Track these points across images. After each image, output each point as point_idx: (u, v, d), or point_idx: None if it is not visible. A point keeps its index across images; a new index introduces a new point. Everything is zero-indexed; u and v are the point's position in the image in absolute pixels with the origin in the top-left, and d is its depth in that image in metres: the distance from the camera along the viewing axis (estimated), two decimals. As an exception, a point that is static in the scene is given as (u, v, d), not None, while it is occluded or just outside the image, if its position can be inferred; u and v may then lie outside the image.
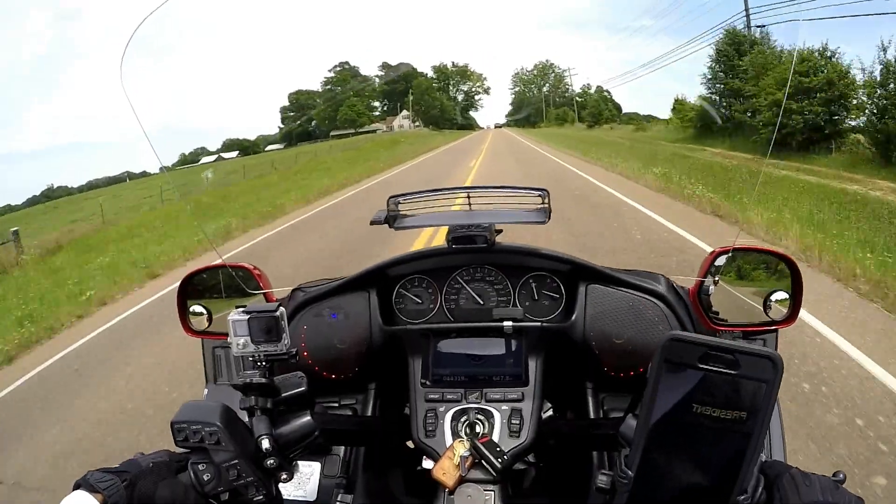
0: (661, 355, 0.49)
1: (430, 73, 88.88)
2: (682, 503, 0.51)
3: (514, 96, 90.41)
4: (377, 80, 79.39)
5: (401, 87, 79.70)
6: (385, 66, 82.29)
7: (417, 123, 74.49)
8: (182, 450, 0.63)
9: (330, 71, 76.23)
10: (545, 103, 78.50)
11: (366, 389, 1.04)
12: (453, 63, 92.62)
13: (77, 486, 0.56)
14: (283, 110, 72.32)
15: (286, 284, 1.09)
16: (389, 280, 1.03)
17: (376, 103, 78.98)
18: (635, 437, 0.51)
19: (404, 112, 78.60)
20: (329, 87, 75.03)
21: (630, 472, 0.51)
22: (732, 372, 0.48)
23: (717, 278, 0.95)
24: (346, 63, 78.64)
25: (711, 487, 0.50)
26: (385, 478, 0.95)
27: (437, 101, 79.03)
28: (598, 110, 56.11)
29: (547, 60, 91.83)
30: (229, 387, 0.68)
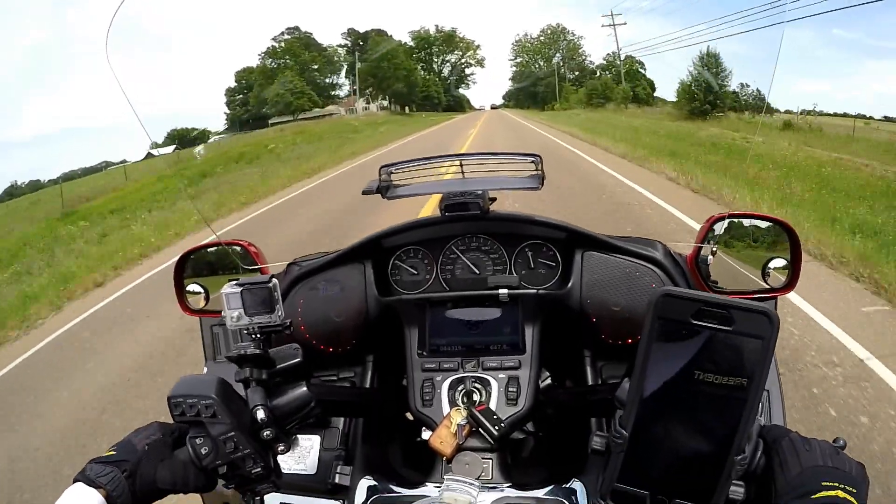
0: (653, 311, 0.49)
1: (409, 42, 67.37)
2: (677, 463, 0.51)
3: (515, 69, 70.48)
4: (341, 50, 57.74)
5: (369, 58, 58.39)
6: (352, 32, 59.31)
7: (384, 104, 57.46)
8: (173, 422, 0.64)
9: (274, 40, 55.21)
10: (558, 77, 59.17)
11: (363, 362, 1.05)
12: (437, 27, 70.37)
13: (76, 480, 0.56)
14: (229, 92, 52.91)
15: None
16: (385, 251, 1.02)
17: (343, 80, 58.39)
18: (629, 396, 0.51)
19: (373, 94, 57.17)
20: (272, 60, 54.57)
21: (625, 432, 0.51)
22: (727, 328, 0.47)
23: (714, 245, 0.94)
24: (296, 29, 56.78)
25: (709, 448, 0.50)
26: (384, 449, 0.96)
27: (402, 69, 56.47)
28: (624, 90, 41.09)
29: (558, 24, 69.91)
30: (228, 364, 0.68)
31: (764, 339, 0.47)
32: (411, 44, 68.76)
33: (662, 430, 0.51)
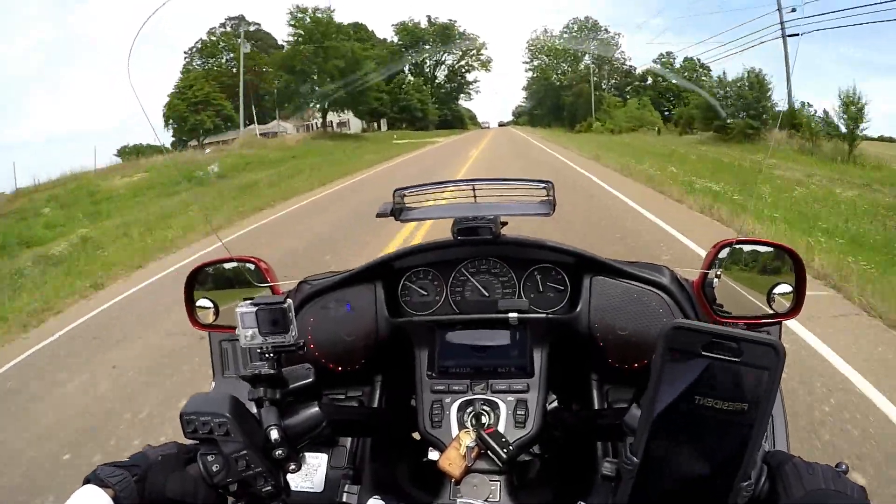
0: (664, 343, 0.50)
1: (393, 38, 51.62)
2: (686, 490, 0.52)
3: (531, 75, 52.74)
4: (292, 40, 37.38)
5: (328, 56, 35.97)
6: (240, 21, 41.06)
7: (347, 117, 41.57)
8: (191, 442, 0.64)
9: (210, 33, 39.64)
10: (593, 85, 43.61)
11: (372, 381, 1.05)
12: (430, 19, 52.98)
13: (87, 481, 0.56)
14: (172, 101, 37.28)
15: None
16: (395, 272, 1.04)
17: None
18: (640, 424, 0.52)
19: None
20: (190, 60, 38.80)
21: (635, 459, 0.52)
22: (735, 360, 0.49)
23: (720, 271, 0.96)
24: (239, 19, 40.37)
25: (715, 475, 0.51)
26: (392, 469, 0.96)
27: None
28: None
29: (587, 18, 53.48)
30: (236, 379, 0.69)
31: (770, 370, 0.48)
32: (395, 39, 51.75)
33: (670, 456, 0.52)
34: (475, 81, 58.69)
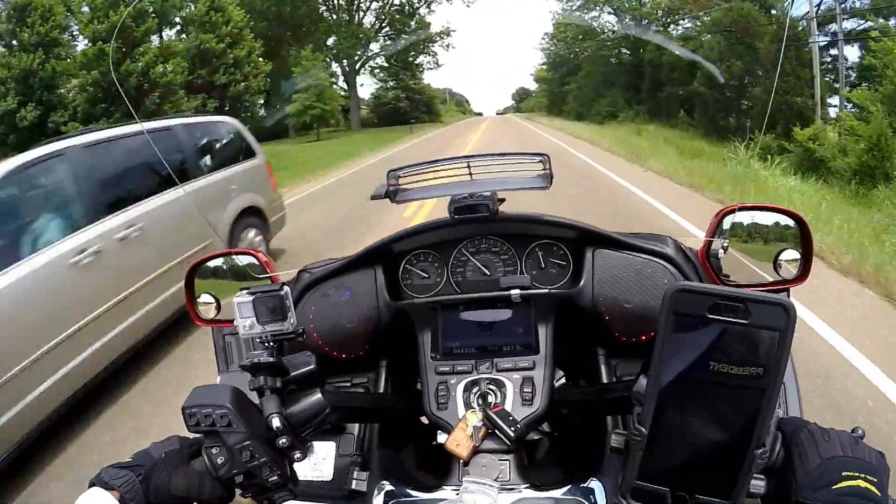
0: (668, 306, 0.48)
1: None
2: (697, 458, 0.51)
3: (552, 31, 37.46)
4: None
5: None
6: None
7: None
8: (193, 436, 0.64)
9: None
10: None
11: (377, 367, 1.05)
12: None
13: (92, 485, 0.56)
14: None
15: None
16: (395, 256, 1.02)
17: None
18: (647, 393, 0.51)
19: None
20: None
21: (644, 429, 0.51)
22: (744, 322, 0.47)
23: (725, 238, 0.94)
24: None
25: (728, 443, 0.50)
26: (400, 454, 0.96)
27: None
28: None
29: None
30: (241, 373, 0.69)
31: (781, 330, 0.47)
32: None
33: (681, 425, 0.51)
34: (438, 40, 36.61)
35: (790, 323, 0.47)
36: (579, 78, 33.05)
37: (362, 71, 40.23)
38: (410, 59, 41.33)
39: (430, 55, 41.07)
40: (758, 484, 0.51)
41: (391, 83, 42.95)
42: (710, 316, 0.48)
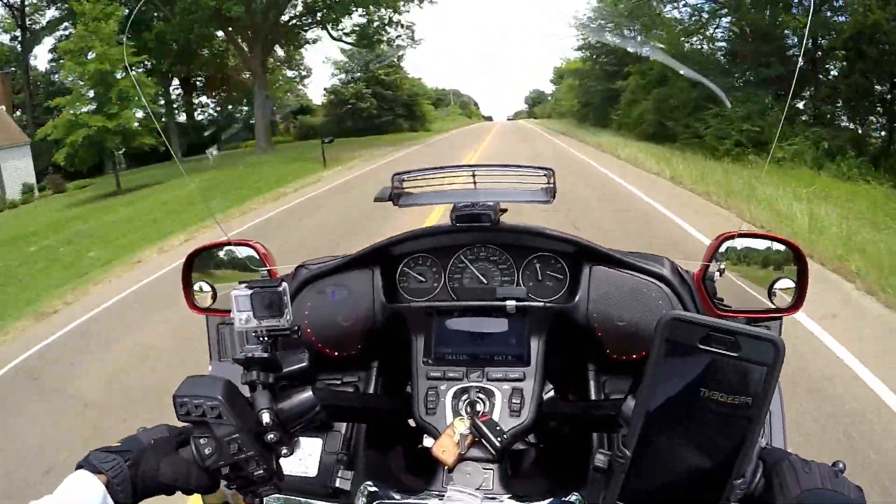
0: (661, 334, 0.49)
1: None
2: (678, 486, 0.51)
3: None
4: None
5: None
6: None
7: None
8: (182, 425, 0.64)
9: None
10: None
11: (368, 368, 1.05)
12: None
13: (79, 467, 0.56)
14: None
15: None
16: (393, 258, 1.03)
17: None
18: (633, 416, 0.51)
19: None
20: None
21: (627, 452, 0.51)
22: (733, 354, 0.48)
23: (722, 264, 0.95)
24: None
25: (709, 471, 0.50)
26: (386, 455, 0.97)
27: None
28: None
29: None
30: (233, 364, 0.69)
31: (769, 365, 0.48)
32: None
33: (665, 449, 0.51)
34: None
35: (778, 359, 0.47)
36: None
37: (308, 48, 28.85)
38: (375, 33, 25.28)
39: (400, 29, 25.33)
40: None
41: (357, 74, 30.81)
42: (701, 347, 0.48)
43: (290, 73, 32.56)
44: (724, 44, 18.19)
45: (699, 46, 18.81)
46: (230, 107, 32.21)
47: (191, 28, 21.67)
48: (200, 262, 1.09)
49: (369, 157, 17.68)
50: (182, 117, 30.26)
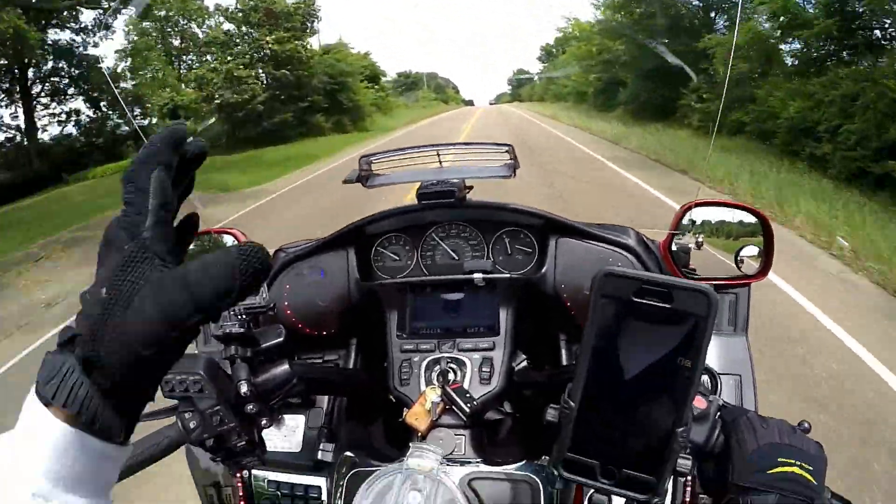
0: (597, 289, 0.51)
1: None
2: (626, 435, 0.54)
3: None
4: None
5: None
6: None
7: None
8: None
9: None
10: None
11: (348, 345, 1.08)
12: None
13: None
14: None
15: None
16: (368, 238, 1.06)
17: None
18: (577, 368, 0.54)
19: None
20: None
21: (572, 403, 0.54)
22: (666, 306, 0.50)
23: (688, 233, 0.97)
24: None
25: (655, 420, 0.53)
26: (366, 428, 1.00)
27: None
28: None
29: None
30: (219, 346, 0.72)
31: (702, 316, 0.50)
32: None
33: (611, 402, 0.54)
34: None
35: (711, 309, 0.50)
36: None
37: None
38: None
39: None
40: (684, 463, 0.54)
41: (237, 48, 20.15)
42: (635, 300, 0.51)
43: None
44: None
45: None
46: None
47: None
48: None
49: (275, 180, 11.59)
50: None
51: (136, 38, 19.46)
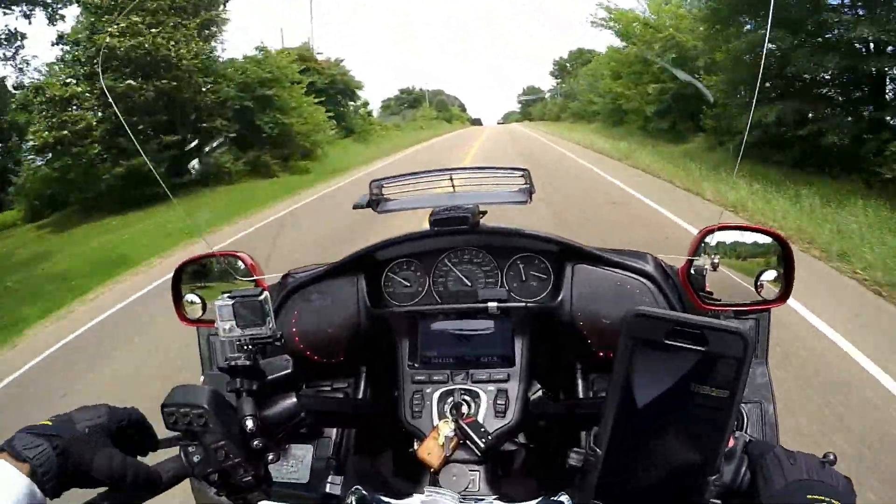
0: (626, 331, 0.49)
1: None
2: (656, 482, 0.51)
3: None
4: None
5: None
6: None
7: None
8: (123, 406, 0.62)
9: None
10: None
11: (357, 373, 1.06)
12: None
13: (2, 450, 0.50)
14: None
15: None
16: (378, 264, 1.04)
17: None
18: (604, 414, 0.51)
19: None
20: None
21: (599, 451, 0.52)
22: (700, 348, 0.48)
23: (706, 257, 0.94)
24: None
25: (686, 466, 0.50)
26: (376, 459, 0.97)
27: None
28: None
29: None
30: (224, 374, 0.70)
31: (738, 358, 0.48)
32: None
33: (640, 446, 0.51)
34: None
35: (748, 352, 0.47)
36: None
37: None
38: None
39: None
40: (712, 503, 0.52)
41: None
42: (668, 342, 0.48)
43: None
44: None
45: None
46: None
47: None
48: (190, 275, 1.10)
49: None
50: None
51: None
